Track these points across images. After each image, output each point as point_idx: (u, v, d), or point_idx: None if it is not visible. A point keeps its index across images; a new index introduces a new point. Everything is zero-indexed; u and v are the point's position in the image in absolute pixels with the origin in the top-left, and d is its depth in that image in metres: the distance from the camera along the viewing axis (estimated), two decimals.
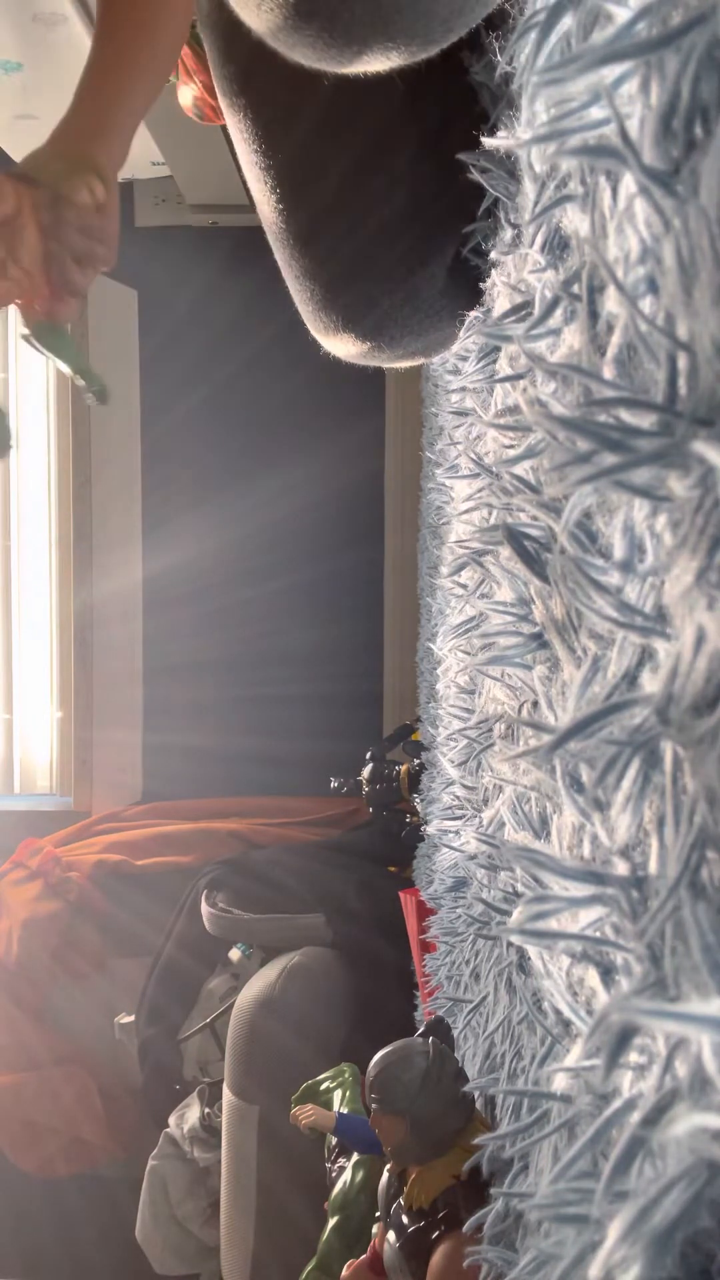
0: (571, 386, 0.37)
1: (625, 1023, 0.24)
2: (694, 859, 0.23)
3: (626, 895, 0.28)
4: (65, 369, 0.71)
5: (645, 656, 0.28)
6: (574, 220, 0.35)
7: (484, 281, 0.59)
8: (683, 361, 0.23)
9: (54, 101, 1.77)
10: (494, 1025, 0.60)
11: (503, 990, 0.61)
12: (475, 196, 0.56)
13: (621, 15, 0.25)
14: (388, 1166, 0.69)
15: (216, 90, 0.67)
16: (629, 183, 0.27)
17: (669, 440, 0.23)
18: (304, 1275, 0.97)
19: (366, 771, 1.81)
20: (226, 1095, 1.50)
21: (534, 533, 0.40)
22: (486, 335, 0.58)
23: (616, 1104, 0.28)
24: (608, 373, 0.29)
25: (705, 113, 0.23)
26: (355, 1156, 0.97)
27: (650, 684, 0.27)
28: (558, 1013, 0.44)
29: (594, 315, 0.32)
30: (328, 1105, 1.02)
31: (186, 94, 1.51)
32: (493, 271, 0.56)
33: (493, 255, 0.54)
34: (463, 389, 0.75)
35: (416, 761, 1.68)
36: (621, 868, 0.29)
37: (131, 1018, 1.92)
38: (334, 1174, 1.00)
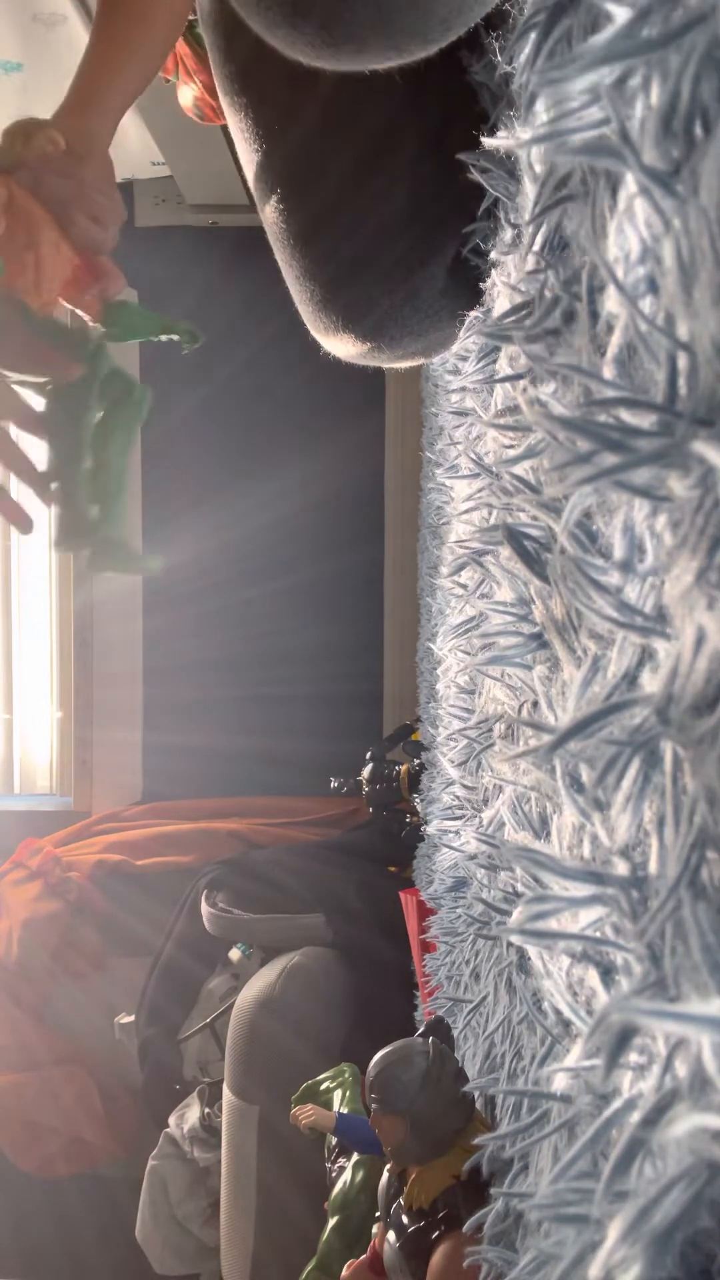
0: (571, 386, 0.37)
1: (625, 1023, 0.24)
2: (694, 859, 0.23)
3: (626, 895, 0.28)
4: (153, 338, 0.70)
5: (645, 656, 0.28)
6: (574, 220, 0.35)
7: (484, 281, 0.59)
8: (683, 361, 0.23)
9: (54, 101, 1.76)
10: (494, 1025, 0.60)
11: (503, 990, 0.61)
12: (475, 196, 0.56)
13: (621, 15, 0.25)
14: (388, 1166, 0.69)
15: (217, 89, 0.67)
16: (629, 183, 0.27)
17: (669, 440, 0.23)
18: (304, 1275, 0.97)
19: (366, 771, 1.81)
20: (226, 1095, 1.50)
21: (534, 533, 0.40)
22: (486, 335, 0.58)
23: (616, 1104, 0.28)
24: (608, 373, 0.29)
25: (705, 113, 0.23)
26: (355, 1156, 0.97)
27: (650, 684, 0.27)
28: (558, 1013, 0.44)
29: (594, 315, 0.32)
30: (328, 1105, 1.02)
31: (186, 94, 1.51)
32: (493, 271, 0.56)
33: (493, 255, 0.54)
34: (463, 389, 0.75)
35: (416, 761, 1.68)
36: (621, 868, 0.29)
37: (131, 1018, 1.92)
38: (334, 1174, 1.00)
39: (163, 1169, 1.71)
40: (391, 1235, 0.65)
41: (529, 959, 0.51)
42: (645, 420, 0.24)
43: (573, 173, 0.35)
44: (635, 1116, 0.25)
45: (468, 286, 0.62)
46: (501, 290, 0.52)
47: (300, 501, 2.24)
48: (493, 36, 0.48)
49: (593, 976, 0.34)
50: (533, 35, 0.40)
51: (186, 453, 2.30)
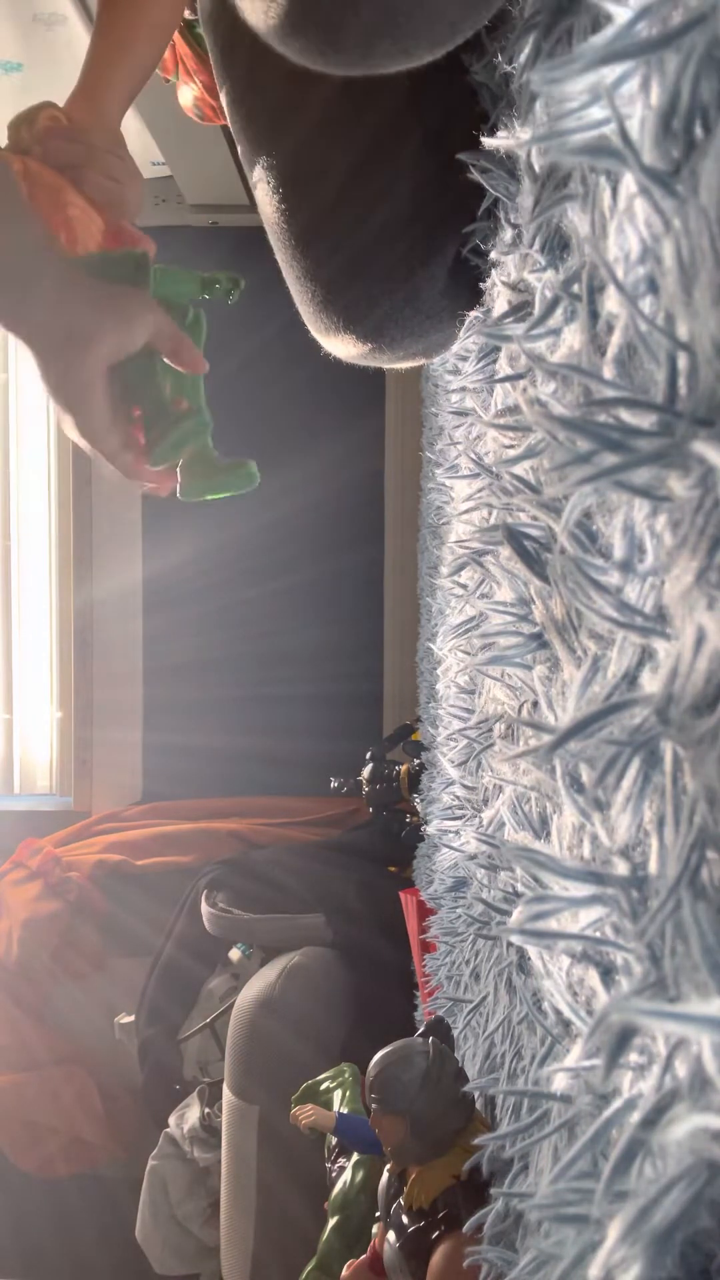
0: (571, 386, 0.37)
1: (625, 1023, 0.24)
2: (694, 859, 0.23)
3: (626, 895, 0.28)
4: (197, 297, 0.69)
5: (645, 656, 0.28)
6: (574, 220, 0.35)
7: (484, 281, 0.59)
8: (683, 361, 0.23)
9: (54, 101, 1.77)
10: (494, 1025, 0.60)
11: (503, 990, 0.61)
12: (476, 196, 0.56)
13: (621, 15, 0.25)
14: (388, 1166, 0.69)
15: (219, 89, 0.67)
16: (629, 183, 0.27)
17: (669, 440, 0.23)
18: (304, 1275, 0.97)
19: (366, 771, 1.81)
20: (226, 1095, 1.50)
21: (534, 533, 0.40)
22: (486, 335, 0.58)
23: (616, 1104, 0.28)
24: (608, 373, 0.29)
25: (705, 113, 0.23)
26: (355, 1156, 0.97)
27: (650, 684, 0.27)
28: (558, 1013, 0.44)
29: (594, 315, 0.32)
30: (328, 1105, 1.02)
31: (186, 94, 1.51)
32: (493, 271, 0.56)
33: (493, 255, 0.54)
34: (463, 389, 0.75)
35: (416, 761, 1.68)
36: (621, 868, 0.29)
37: (131, 1018, 1.92)
38: (334, 1174, 1.00)
39: (163, 1169, 1.71)
40: (391, 1235, 0.65)
41: (529, 959, 0.51)
42: (645, 420, 0.24)
43: (573, 173, 0.35)
44: (635, 1116, 0.25)
45: (468, 287, 0.62)
46: (501, 290, 0.52)
47: (300, 501, 2.24)
48: (493, 36, 0.48)
49: (593, 976, 0.34)
50: (533, 35, 0.40)
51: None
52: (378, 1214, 0.72)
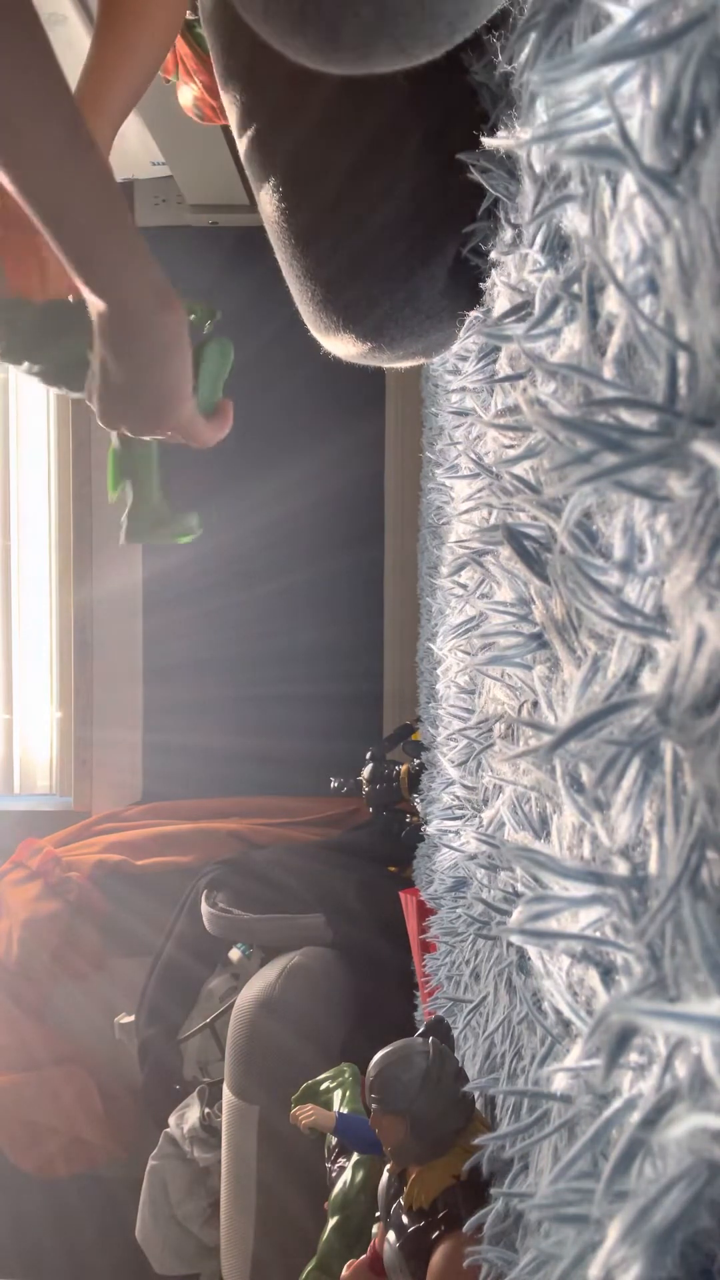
0: (571, 386, 0.37)
1: (625, 1023, 0.24)
2: (694, 859, 0.23)
3: (626, 895, 0.28)
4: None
5: (645, 656, 0.28)
6: (574, 220, 0.35)
7: (484, 281, 0.59)
8: (683, 361, 0.23)
9: None
10: (494, 1025, 0.60)
11: (503, 990, 0.61)
12: (476, 196, 0.56)
13: (621, 15, 0.25)
14: (388, 1166, 0.69)
15: (219, 87, 0.67)
16: (629, 183, 0.27)
17: (669, 440, 0.23)
18: (304, 1275, 0.97)
19: (366, 771, 1.81)
20: (226, 1095, 1.50)
21: (534, 533, 0.40)
22: (486, 335, 0.58)
23: (616, 1104, 0.28)
24: (608, 373, 0.29)
25: (705, 113, 0.23)
26: (355, 1156, 0.97)
27: (650, 684, 0.27)
28: (558, 1013, 0.44)
29: (594, 315, 0.32)
30: (328, 1105, 1.02)
31: (186, 94, 1.51)
32: (493, 271, 0.56)
33: (493, 255, 0.54)
34: (463, 389, 0.75)
35: (416, 761, 1.68)
36: (621, 868, 0.29)
37: (131, 1018, 1.92)
38: (334, 1174, 1.00)
39: (163, 1169, 1.71)
40: (391, 1235, 0.65)
41: (529, 959, 0.51)
42: (645, 420, 0.24)
43: (573, 173, 0.35)
44: (635, 1116, 0.25)
45: (468, 286, 0.62)
46: (501, 290, 0.52)
47: (300, 501, 2.24)
48: (493, 36, 0.48)
49: (593, 976, 0.34)
50: (533, 35, 0.40)
51: (186, 452, 2.30)
52: (378, 1214, 0.72)
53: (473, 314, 0.63)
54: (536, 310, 0.38)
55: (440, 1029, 0.70)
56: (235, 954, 1.79)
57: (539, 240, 0.41)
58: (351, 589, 2.30)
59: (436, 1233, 0.61)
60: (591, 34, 0.33)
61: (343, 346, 0.69)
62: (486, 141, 0.45)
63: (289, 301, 0.72)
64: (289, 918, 1.68)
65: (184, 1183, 1.70)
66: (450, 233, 0.61)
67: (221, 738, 2.28)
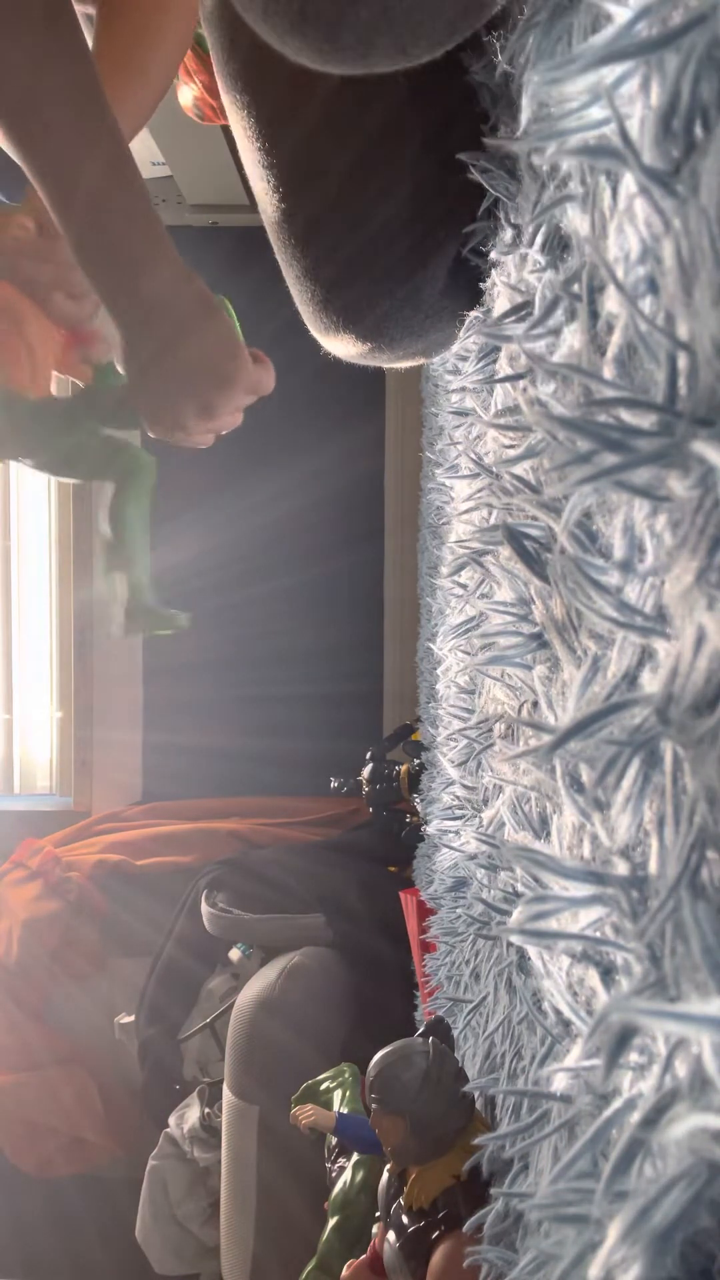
0: (571, 386, 0.37)
1: (625, 1023, 0.24)
2: (694, 859, 0.23)
3: (626, 895, 0.28)
4: None
5: (645, 656, 0.28)
6: (574, 220, 0.35)
7: (484, 282, 0.59)
8: (683, 361, 0.23)
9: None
10: (494, 1025, 0.60)
11: (503, 990, 0.61)
12: (476, 196, 0.56)
13: (621, 15, 0.25)
14: (388, 1166, 0.69)
15: (219, 86, 0.67)
16: (629, 183, 0.27)
17: (669, 440, 0.23)
18: (304, 1275, 0.97)
19: (366, 771, 1.81)
20: (226, 1095, 1.50)
21: (534, 533, 0.40)
22: (486, 335, 0.58)
23: (616, 1104, 0.28)
24: (608, 373, 0.29)
25: (705, 113, 0.23)
26: (355, 1156, 0.97)
27: (650, 684, 0.27)
28: (558, 1013, 0.44)
29: (594, 315, 0.32)
30: (328, 1105, 1.02)
31: (186, 94, 1.51)
32: (493, 271, 0.56)
33: (493, 255, 0.54)
34: (463, 389, 0.75)
35: (416, 761, 1.68)
36: (621, 868, 0.29)
37: (131, 1018, 1.92)
38: (334, 1174, 1.00)
39: (163, 1169, 1.71)
40: (391, 1235, 0.65)
41: (529, 959, 0.51)
42: (645, 420, 0.24)
43: (573, 173, 0.35)
44: (635, 1116, 0.25)
45: (468, 286, 0.62)
46: (501, 290, 0.52)
47: (300, 501, 2.24)
48: (493, 36, 0.48)
49: (593, 976, 0.34)
50: (533, 35, 0.40)
51: (185, 452, 2.30)
52: (378, 1214, 0.72)
53: (473, 314, 0.63)
54: (536, 310, 0.38)
55: (440, 1029, 0.70)
56: (235, 954, 1.79)
57: (539, 240, 0.41)
58: (351, 589, 2.30)
59: (436, 1233, 0.61)
60: (591, 34, 0.33)
61: (343, 346, 0.69)
62: (487, 141, 0.45)
63: (289, 301, 0.72)
64: (289, 918, 1.68)
65: (184, 1183, 1.70)
66: (450, 233, 0.61)
67: (221, 738, 2.28)
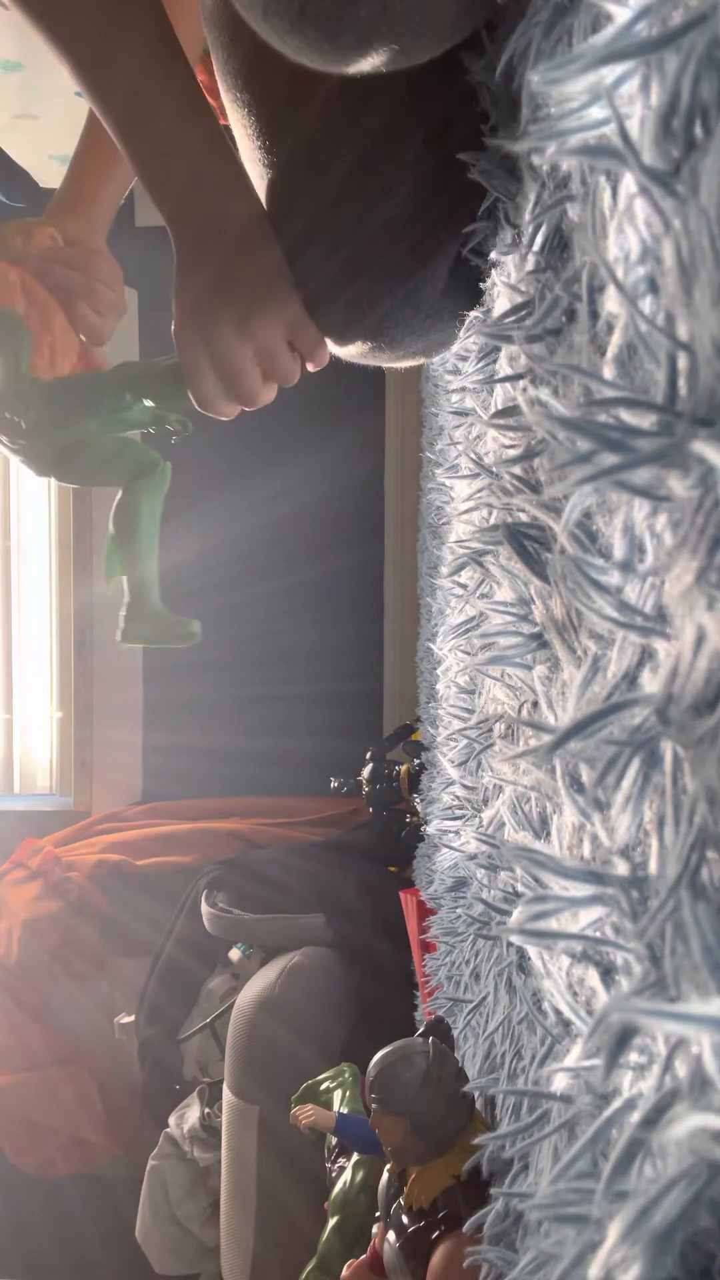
0: (571, 386, 0.37)
1: (625, 1023, 0.24)
2: (694, 859, 0.23)
3: (626, 895, 0.28)
4: (145, 423, 0.73)
5: (645, 656, 0.28)
6: (574, 220, 0.35)
7: (484, 281, 0.59)
8: (683, 361, 0.23)
9: (54, 101, 1.77)
10: (494, 1025, 0.60)
11: (503, 990, 0.61)
12: (476, 196, 0.56)
13: (621, 15, 0.25)
14: (388, 1166, 0.69)
15: (220, 85, 0.67)
16: (629, 183, 0.27)
17: (669, 440, 0.23)
18: (304, 1275, 0.97)
19: (366, 771, 1.81)
20: (226, 1095, 1.50)
21: (534, 533, 0.40)
22: (486, 335, 0.58)
23: (616, 1104, 0.28)
24: (608, 373, 0.29)
25: (705, 113, 0.23)
26: (355, 1156, 0.97)
27: (650, 684, 0.27)
28: (558, 1013, 0.44)
29: (594, 315, 0.32)
30: (328, 1105, 1.02)
31: None
32: (493, 271, 0.56)
33: (493, 255, 0.54)
34: (463, 389, 0.75)
35: (416, 761, 1.68)
36: (621, 868, 0.29)
37: (131, 1018, 1.92)
38: (334, 1174, 1.00)
39: (163, 1169, 1.71)
40: (391, 1235, 0.65)
41: (529, 959, 0.51)
42: (645, 420, 0.24)
43: (573, 173, 0.35)
44: (635, 1116, 0.25)
45: (468, 286, 0.62)
46: (501, 290, 0.52)
47: (300, 501, 2.24)
48: (493, 37, 0.48)
49: (593, 976, 0.34)
50: (533, 35, 0.40)
51: (186, 452, 2.30)
52: (378, 1214, 0.72)
53: (473, 314, 0.63)
54: (536, 310, 0.38)
55: (440, 1029, 0.70)
56: (235, 954, 1.79)
57: (539, 240, 0.41)
58: (351, 589, 2.30)
59: (436, 1233, 0.61)
60: (591, 34, 0.33)
61: (342, 346, 0.69)
62: (487, 141, 0.45)
63: None
64: (289, 918, 1.68)
65: (184, 1183, 1.70)
66: (450, 232, 0.61)
67: (221, 738, 2.28)
